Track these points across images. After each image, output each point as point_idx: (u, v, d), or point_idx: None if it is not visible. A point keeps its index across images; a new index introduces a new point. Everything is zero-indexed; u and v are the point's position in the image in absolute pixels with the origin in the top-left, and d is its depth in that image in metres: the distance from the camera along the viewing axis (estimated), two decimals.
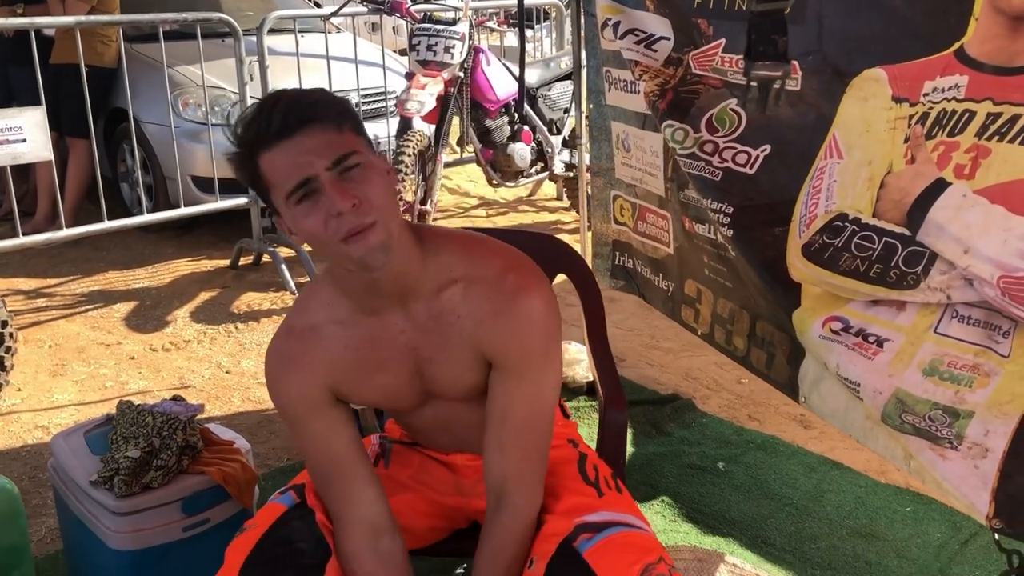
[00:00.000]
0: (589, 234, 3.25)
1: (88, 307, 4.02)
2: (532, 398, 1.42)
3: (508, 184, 4.59)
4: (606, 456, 1.71)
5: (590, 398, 2.96)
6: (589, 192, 3.14)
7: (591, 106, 3.01)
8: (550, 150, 4.57)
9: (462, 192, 5.78)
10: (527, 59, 4.59)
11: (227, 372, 3.37)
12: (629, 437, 2.75)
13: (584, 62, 3.05)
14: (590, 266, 3.08)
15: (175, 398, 2.13)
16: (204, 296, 4.13)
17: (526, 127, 4.52)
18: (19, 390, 3.20)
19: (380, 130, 4.84)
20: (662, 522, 2.34)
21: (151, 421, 1.95)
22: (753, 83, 2.21)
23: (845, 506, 2.42)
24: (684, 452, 2.67)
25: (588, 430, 2.56)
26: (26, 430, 2.94)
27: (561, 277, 1.96)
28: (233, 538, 1.41)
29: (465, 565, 2.15)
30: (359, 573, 1.41)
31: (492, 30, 5.69)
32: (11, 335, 2.92)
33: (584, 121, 3.20)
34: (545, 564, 1.37)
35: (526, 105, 4.49)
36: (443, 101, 4.20)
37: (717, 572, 2.02)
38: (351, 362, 1.42)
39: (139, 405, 2.04)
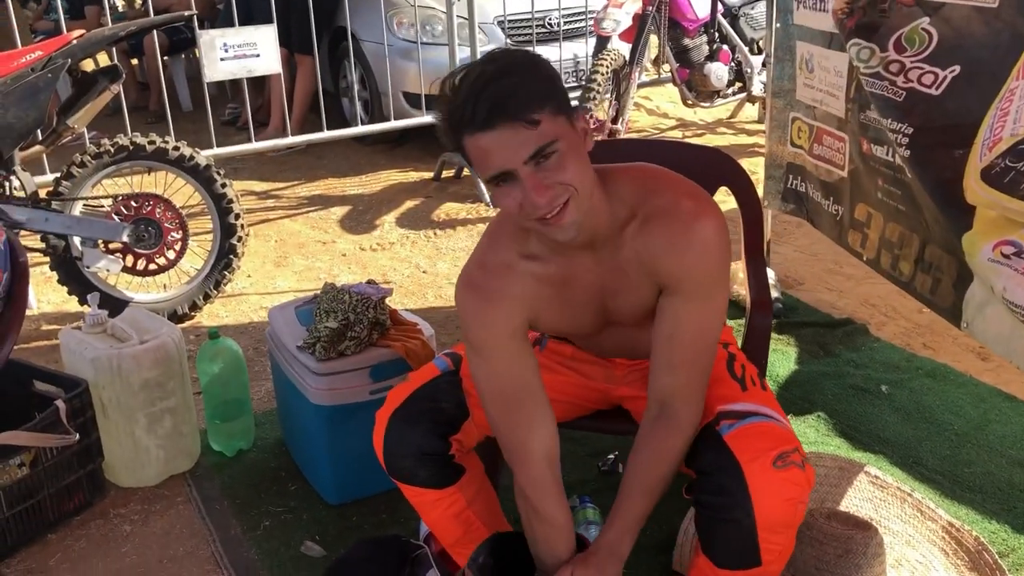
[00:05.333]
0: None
1: (309, 209, 4.48)
2: (701, 320, 1.47)
3: (703, 104, 4.58)
4: (750, 355, 1.82)
5: None
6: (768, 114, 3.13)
7: (778, 25, 2.98)
8: (749, 70, 4.50)
9: (660, 113, 5.79)
10: None
11: (424, 272, 3.68)
12: (794, 355, 2.79)
13: None
14: (761, 189, 3.09)
15: (369, 282, 2.42)
16: (409, 204, 4.47)
17: (725, 46, 4.47)
18: (248, 276, 3.67)
19: (580, 49, 4.95)
20: (814, 435, 2.39)
21: (348, 299, 2.24)
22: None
23: (1009, 436, 2.36)
24: (848, 373, 2.68)
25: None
26: (253, 310, 3.40)
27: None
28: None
29: (616, 452, 2.32)
30: (543, 494, 1.51)
31: None
32: (242, 226, 3.34)
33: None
34: (690, 445, 1.50)
35: (727, 24, 4.44)
36: (640, 20, 4.24)
37: (857, 481, 2.07)
38: (544, 296, 1.51)
39: (339, 286, 2.34)
